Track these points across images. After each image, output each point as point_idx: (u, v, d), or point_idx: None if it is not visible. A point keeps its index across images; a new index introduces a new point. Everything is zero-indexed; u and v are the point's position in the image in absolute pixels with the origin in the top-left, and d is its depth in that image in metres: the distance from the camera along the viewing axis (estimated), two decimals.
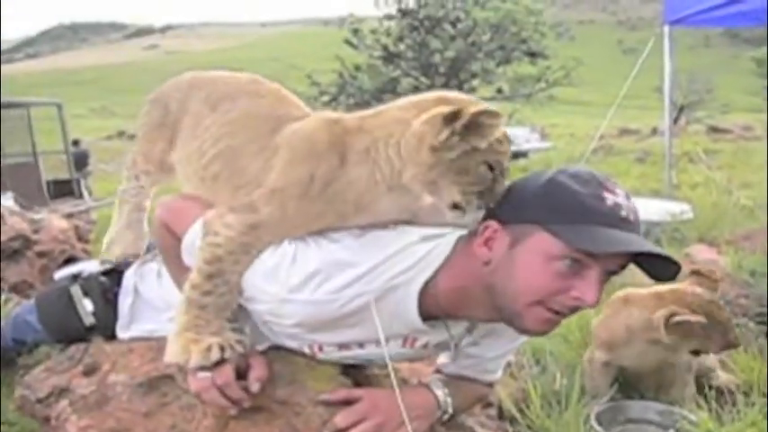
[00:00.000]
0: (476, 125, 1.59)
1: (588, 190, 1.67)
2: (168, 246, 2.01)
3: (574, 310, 1.73)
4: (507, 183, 1.74)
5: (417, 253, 1.77)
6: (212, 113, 2.00)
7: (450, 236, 1.82)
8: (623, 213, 1.66)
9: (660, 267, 1.72)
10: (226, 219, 1.76)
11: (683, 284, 2.59)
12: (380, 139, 1.69)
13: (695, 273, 2.65)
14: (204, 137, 1.97)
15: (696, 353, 2.60)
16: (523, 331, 1.81)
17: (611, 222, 1.64)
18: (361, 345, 1.91)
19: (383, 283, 1.73)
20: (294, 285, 1.73)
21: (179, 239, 1.92)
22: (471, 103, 1.67)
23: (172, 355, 1.78)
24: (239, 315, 1.87)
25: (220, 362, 1.75)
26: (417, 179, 1.65)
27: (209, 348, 1.73)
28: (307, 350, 1.96)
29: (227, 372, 1.77)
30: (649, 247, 1.66)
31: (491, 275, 1.74)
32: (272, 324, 1.88)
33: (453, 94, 1.74)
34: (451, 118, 1.58)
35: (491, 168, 1.65)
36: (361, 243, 1.78)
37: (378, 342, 1.80)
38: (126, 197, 2.35)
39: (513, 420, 2.59)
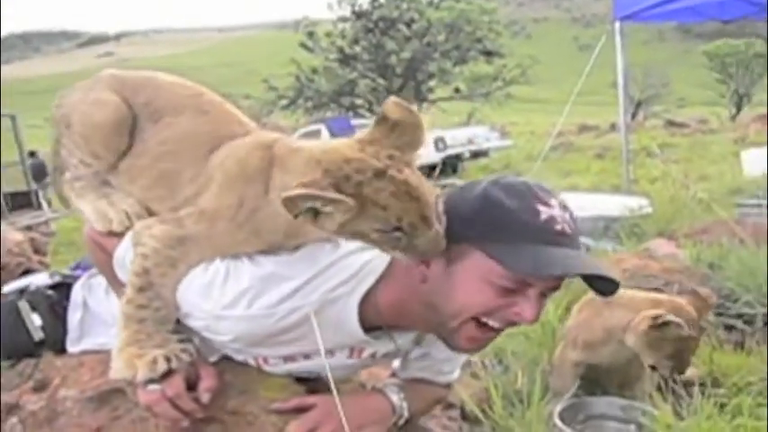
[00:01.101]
0: (316, 210, 1.48)
1: (523, 204, 1.62)
2: (101, 261, 1.96)
3: (511, 324, 1.71)
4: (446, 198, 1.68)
5: (354, 264, 1.74)
6: (153, 126, 1.90)
7: None
8: (558, 227, 1.62)
9: (600, 283, 1.70)
10: (153, 230, 1.73)
11: (680, 299, 2.58)
12: (288, 184, 1.54)
13: (693, 293, 2.65)
14: (143, 153, 1.90)
15: (652, 368, 2.58)
16: (455, 348, 1.79)
17: (547, 239, 1.60)
18: (306, 356, 1.88)
19: (321, 296, 1.71)
20: (227, 302, 1.70)
21: (110, 255, 1.88)
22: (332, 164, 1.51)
23: (117, 371, 1.73)
24: (186, 327, 1.83)
25: (169, 373, 1.71)
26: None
27: (154, 360, 1.69)
28: (252, 363, 1.93)
29: (178, 383, 1.73)
30: (588, 269, 1.63)
31: (429, 294, 1.71)
32: (211, 341, 1.84)
33: (322, 154, 1.55)
34: (290, 201, 1.46)
35: (396, 229, 1.51)
36: (295, 257, 1.75)
37: (324, 353, 1.77)
38: (81, 185, 2.01)
39: (476, 421, 2.57)
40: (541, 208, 1.62)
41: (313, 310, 1.70)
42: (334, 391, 1.75)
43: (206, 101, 1.94)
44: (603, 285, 1.70)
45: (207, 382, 1.80)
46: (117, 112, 1.90)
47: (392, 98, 1.59)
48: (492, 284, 1.63)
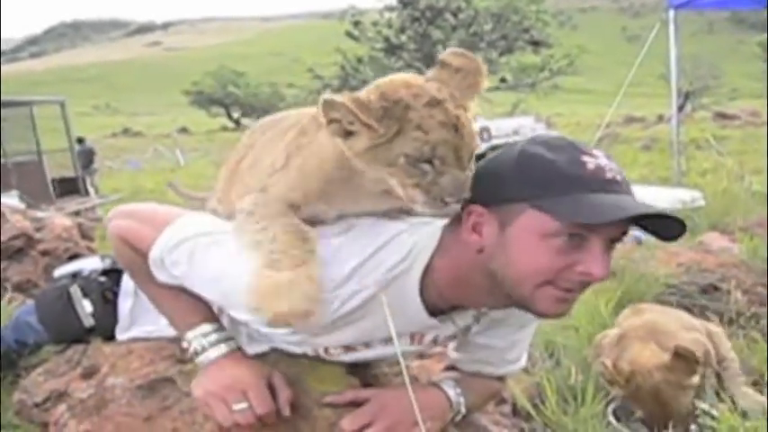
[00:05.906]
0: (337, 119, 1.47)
1: (565, 156, 1.54)
2: (130, 260, 1.89)
3: (584, 285, 1.61)
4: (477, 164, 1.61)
5: (407, 243, 1.67)
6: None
7: (434, 225, 1.70)
8: (608, 175, 1.53)
9: (663, 227, 1.57)
10: (244, 201, 1.70)
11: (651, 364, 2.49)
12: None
13: (676, 353, 2.46)
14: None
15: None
16: (538, 314, 1.68)
17: (598, 187, 1.51)
18: (367, 344, 1.83)
19: (381, 276, 1.64)
20: None
21: (140, 253, 1.82)
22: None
23: (253, 300, 1.57)
24: (230, 326, 1.83)
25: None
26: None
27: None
28: (311, 354, 1.88)
29: (268, 401, 1.72)
30: (645, 208, 1.50)
31: (489, 262, 1.61)
32: (272, 335, 1.81)
33: (388, 80, 1.58)
34: (328, 104, 1.47)
35: (426, 161, 1.46)
36: (349, 237, 1.68)
37: (385, 341, 1.74)
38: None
39: (528, 417, 2.52)
40: (587, 159, 1.54)
41: (383, 292, 1.64)
42: (407, 377, 1.69)
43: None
44: (666, 229, 1.57)
45: (285, 392, 1.78)
46: None
47: (450, 49, 1.65)
48: (549, 242, 1.53)
